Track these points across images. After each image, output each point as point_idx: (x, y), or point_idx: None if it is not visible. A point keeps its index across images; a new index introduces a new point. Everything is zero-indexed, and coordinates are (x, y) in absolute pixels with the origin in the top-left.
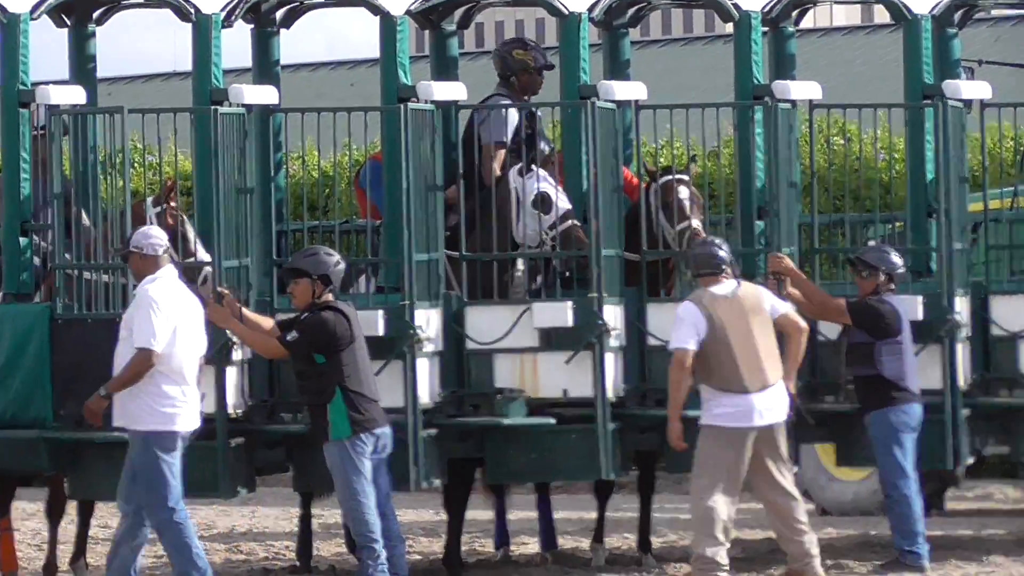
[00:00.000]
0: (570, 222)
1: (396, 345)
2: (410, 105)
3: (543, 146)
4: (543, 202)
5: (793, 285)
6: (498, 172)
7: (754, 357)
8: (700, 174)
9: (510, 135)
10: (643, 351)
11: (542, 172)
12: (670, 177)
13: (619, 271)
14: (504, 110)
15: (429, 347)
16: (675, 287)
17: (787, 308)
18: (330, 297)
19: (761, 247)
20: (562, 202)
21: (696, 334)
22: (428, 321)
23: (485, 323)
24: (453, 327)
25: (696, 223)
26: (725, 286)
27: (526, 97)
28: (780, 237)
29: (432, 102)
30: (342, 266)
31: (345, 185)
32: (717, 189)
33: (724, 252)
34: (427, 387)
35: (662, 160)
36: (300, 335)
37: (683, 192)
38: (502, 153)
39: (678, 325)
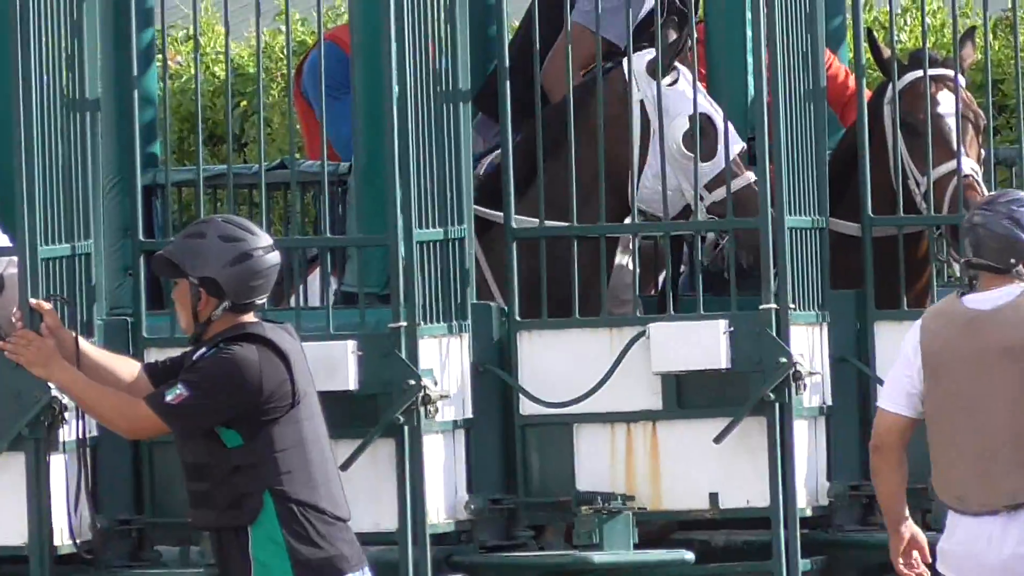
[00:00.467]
0: (748, 178)
1: (383, 409)
2: None
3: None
4: (702, 136)
5: None
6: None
7: (990, 443)
8: (979, 64)
9: (636, 19)
10: (866, 415)
11: (687, 75)
12: (919, 74)
13: (821, 260)
14: None
15: (448, 412)
16: (931, 288)
17: None
18: (247, 318)
19: None
20: (732, 139)
21: (913, 385)
22: (445, 361)
23: (555, 364)
24: (493, 372)
25: (971, 165)
26: (1003, 293)
27: None
28: None
29: None
30: (267, 258)
31: (279, 93)
32: (1011, 96)
33: None
34: (442, 491)
35: (903, 38)
36: (191, 392)
37: (946, 104)
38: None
39: (893, 367)
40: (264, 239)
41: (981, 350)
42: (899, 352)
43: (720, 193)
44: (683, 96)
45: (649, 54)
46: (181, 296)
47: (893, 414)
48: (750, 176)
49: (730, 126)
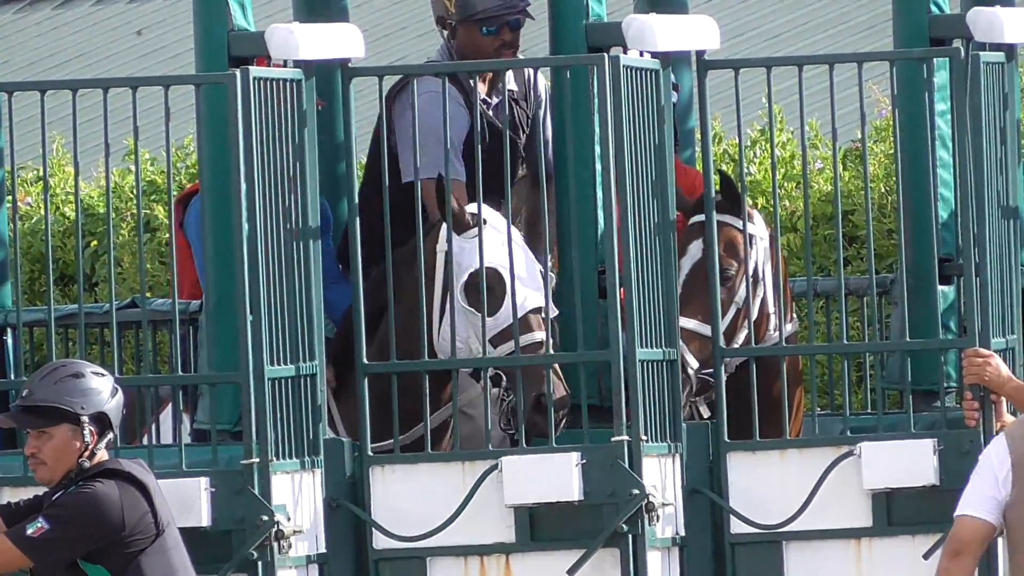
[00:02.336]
0: (534, 338)
1: (237, 545)
2: (252, 71)
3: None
4: (488, 291)
5: (1014, 404)
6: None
7: None
8: (829, 195)
9: (458, 149)
10: (719, 546)
11: (496, 218)
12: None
13: (673, 391)
14: (443, 96)
15: (301, 547)
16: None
17: None
18: (101, 456)
19: (948, 336)
20: (529, 286)
21: (999, 492)
22: (298, 496)
23: (408, 498)
24: (347, 507)
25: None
26: None
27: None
28: (984, 316)
29: (298, 64)
30: (119, 397)
31: (128, 233)
32: (862, 227)
33: None
34: None
35: (753, 170)
36: (52, 525)
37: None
38: (460, 191)
39: (974, 477)
40: (109, 379)
41: None
42: (981, 463)
43: (506, 348)
44: (474, 248)
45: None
46: (58, 443)
47: (980, 520)
48: (537, 336)
49: (535, 278)
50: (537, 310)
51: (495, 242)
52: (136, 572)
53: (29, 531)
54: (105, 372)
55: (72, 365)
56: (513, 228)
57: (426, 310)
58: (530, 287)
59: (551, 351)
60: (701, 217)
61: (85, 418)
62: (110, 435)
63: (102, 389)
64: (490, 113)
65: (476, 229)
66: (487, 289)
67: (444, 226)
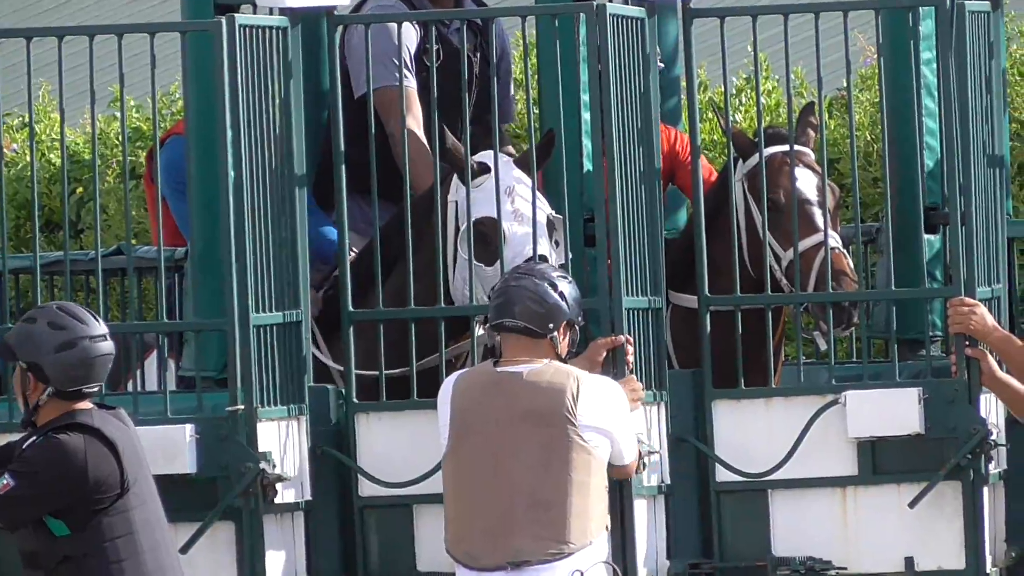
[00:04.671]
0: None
1: (222, 492)
2: (237, 19)
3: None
4: (486, 241)
5: (999, 355)
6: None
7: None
8: (815, 142)
9: (408, 59)
10: (705, 493)
11: (506, 161)
12: (770, 151)
13: (658, 340)
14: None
15: (287, 494)
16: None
17: None
18: (80, 406)
19: (934, 285)
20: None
21: None
22: (284, 443)
23: (393, 445)
24: (332, 454)
25: (834, 239)
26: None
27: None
28: (970, 265)
29: (284, 12)
30: (94, 347)
31: (114, 179)
32: (847, 174)
33: None
34: (281, 574)
35: (739, 118)
36: (17, 482)
37: (806, 180)
38: (414, 99)
39: None
40: (95, 328)
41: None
42: None
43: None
44: (477, 198)
45: (486, 155)
46: (15, 381)
47: None
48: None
49: (540, 225)
50: (541, 259)
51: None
52: (95, 530)
53: None
54: (68, 325)
55: (39, 310)
56: (523, 173)
57: (441, 259)
58: (536, 234)
59: None
60: (775, 148)
61: (23, 364)
62: (50, 389)
63: (44, 340)
64: (444, 31)
65: (483, 177)
66: (487, 239)
67: (456, 176)
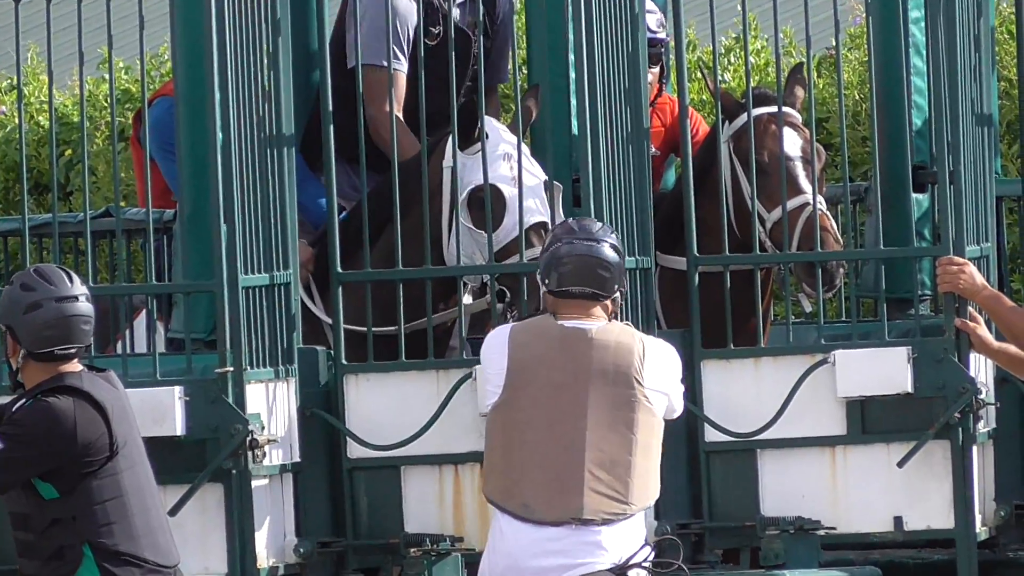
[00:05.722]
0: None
1: (211, 454)
2: None
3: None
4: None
5: (987, 314)
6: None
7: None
8: (804, 102)
9: (406, 43)
10: (694, 456)
11: (499, 128)
12: (759, 111)
13: (647, 299)
14: None
15: (276, 456)
16: (769, 327)
17: None
18: (68, 368)
19: (922, 244)
20: (533, 202)
21: None
22: (272, 405)
23: (382, 407)
24: (321, 416)
25: (820, 200)
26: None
27: None
28: (959, 223)
29: None
30: (61, 307)
31: (103, 142)
32: (836, 134)
33: None
34: (271, 535)
35: (728, 78)
36: (6, 443)
37: (791, 141)
38: (400, 84)
39: None
40: (65, 289)
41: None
42: None
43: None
44: (476, 164)
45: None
46: (8, 346)
47: None
48: (538, 252)
49: (540, 192)
50: (539, 225)
51: (496, 157)
52: (84, 493)
53: None
54: (36, 286)
55: (19, 273)
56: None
57: (433, 225)
58: (534, 201)
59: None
60: (763, 109)
61: (2, 326)
62: (22, 351)
63: (16, 301)
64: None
65: (479, 144)
66: (486, 205)
67: (449, 141)
